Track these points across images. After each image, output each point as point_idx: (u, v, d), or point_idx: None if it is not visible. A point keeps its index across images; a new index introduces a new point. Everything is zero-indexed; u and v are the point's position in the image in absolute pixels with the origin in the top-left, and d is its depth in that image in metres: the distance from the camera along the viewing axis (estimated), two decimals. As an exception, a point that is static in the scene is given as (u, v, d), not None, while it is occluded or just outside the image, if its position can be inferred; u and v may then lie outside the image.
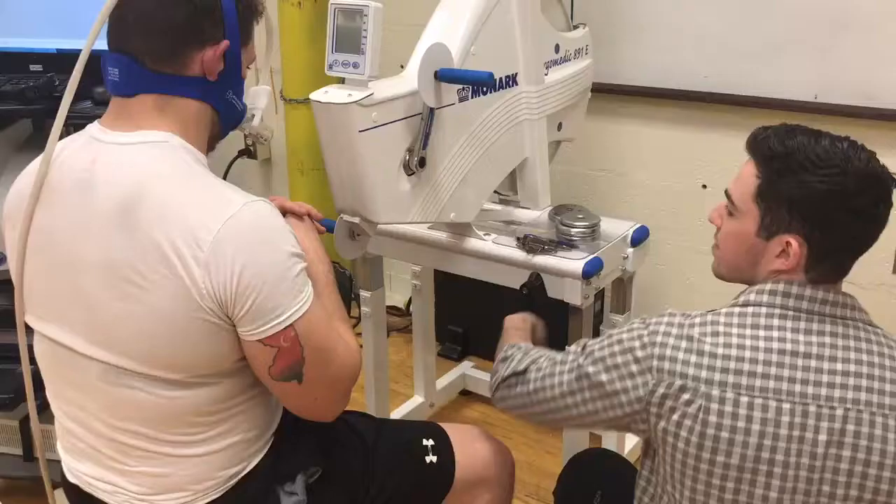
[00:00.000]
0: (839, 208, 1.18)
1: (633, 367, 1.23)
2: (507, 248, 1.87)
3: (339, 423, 1.42)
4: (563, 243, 1.87)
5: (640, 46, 2.48)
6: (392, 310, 3.21)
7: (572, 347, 1.37)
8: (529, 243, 1.84)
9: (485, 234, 1.92)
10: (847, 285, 1.25)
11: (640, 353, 1.23)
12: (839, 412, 1.16)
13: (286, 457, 1.36)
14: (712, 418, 1.17)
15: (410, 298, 2.91)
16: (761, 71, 2.31)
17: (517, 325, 1.64)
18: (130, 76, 1.22)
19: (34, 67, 2.12)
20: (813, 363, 1.17)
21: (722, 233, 1.33)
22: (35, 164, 1.27)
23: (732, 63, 2.35)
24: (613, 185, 2.69)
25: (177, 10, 1.20)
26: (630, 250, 1.96)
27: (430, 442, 1.55)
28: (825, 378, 1.17)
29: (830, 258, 1.22)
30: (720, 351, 1.19)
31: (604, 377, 1.26)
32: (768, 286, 1.23)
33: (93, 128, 1.27)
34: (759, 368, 1.17)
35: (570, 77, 2.11)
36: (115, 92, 1.25)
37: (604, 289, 2.00)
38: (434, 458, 1.54)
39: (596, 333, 2.38)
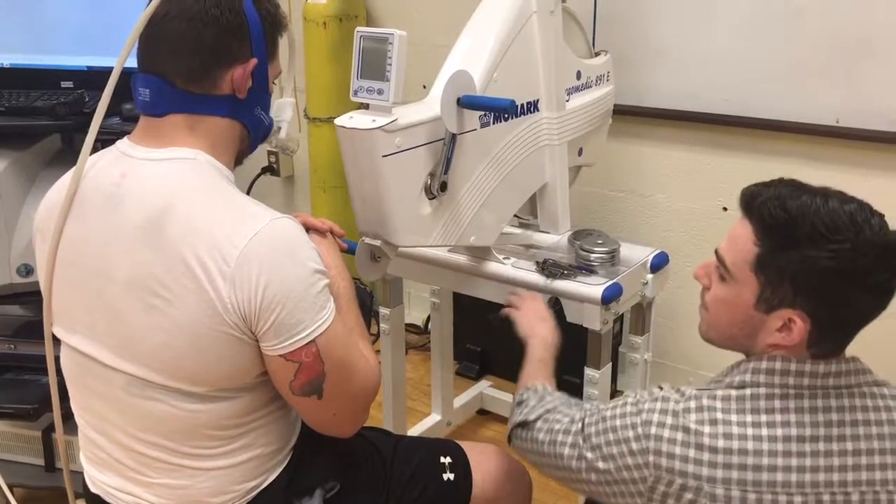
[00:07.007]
0: (850, 287, 1.08)
1: (629, 460, 1.17)
2: (527, 273, 1.87)
3: (358, 439, 1.43)
4: (583, 268, 1.87)
5: (662, 70, 2.49)
6: (410, 328, 3.20)
7: (576, 414, 1.30)
8: (549, 268, 1.85)
9: (504, 258, 1.92)
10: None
11: (634, 446, 1.17)
12: (855, 497, 1.10)
13: (305, 471, 1.37)
14: None
15: (429, 316, 2.92)
16: (782, 94, 2.30)
17: (541, 355, 1.55)
18: (161, 96, 1.24)
19: (65, 84, 2.15)
20: (821, 446, 1.10)
21: (712, 296, 1.23)
22: (66, 178, 1.29)
23: (753, 86, 2.34)
24: (634, 206, 2.69)
25: (206, 30, 1.22)
26: (650, 276, 1.95)
27: (448, 459, 1.55)
28: (836, 461, 1.10)
29: (837, 333, 1.13)
30: (720, 444, 1.11)
31: (601, 465, 1.21)
32: (764, 364, 1.14)
33: (122, 143, 1.29)
34: (765, 461, 1.09)
35: (590, 103, 2.12)
36: (146, 111, 1.26)
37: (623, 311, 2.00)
38: (451, 476, 1.54)
39: (615, 354, 2.38)
